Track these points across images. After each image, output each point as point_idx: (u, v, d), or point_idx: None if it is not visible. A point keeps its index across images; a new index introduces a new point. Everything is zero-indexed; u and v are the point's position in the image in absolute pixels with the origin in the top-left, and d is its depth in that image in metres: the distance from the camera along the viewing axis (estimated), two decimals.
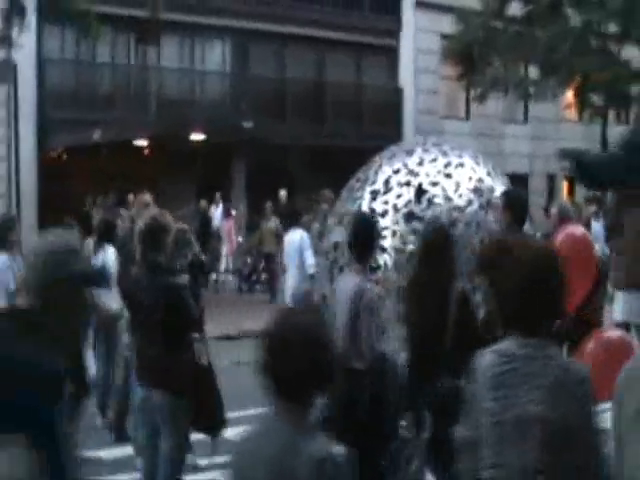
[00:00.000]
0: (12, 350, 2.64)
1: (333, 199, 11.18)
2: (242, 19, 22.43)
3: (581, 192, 27.71)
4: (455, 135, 25.52)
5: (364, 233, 5.80)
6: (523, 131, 28.30)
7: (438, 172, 6.83)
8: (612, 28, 22.27)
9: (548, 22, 21.30)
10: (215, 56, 23.38)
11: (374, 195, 7.10)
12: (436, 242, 5.17)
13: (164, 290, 5.45)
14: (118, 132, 19.36)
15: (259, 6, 22.67)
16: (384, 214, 6.95)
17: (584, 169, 1.95)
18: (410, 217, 6.82)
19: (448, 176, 6.80)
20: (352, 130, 23.68)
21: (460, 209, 6.64)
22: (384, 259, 6.90)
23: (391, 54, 26.13)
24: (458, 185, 6.75)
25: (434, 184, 6.78)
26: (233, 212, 20.88)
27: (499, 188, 6.91)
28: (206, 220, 19.89)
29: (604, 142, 23.36)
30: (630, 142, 1.87)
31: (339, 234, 7.36)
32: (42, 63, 20.00)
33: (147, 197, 10.83)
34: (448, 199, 6.70)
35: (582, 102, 23.06)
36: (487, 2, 21.92)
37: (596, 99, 22.55)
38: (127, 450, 7.81)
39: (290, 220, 11.33)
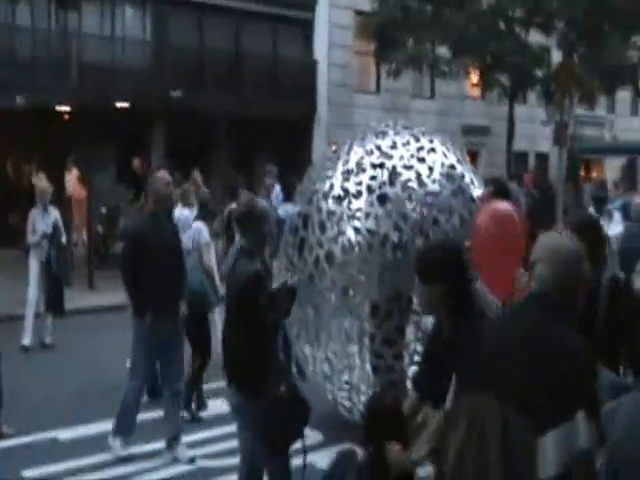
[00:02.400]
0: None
1: (277, 174, 11.21)
2: None
3: (482, 165, 28.52)
4: (366, 108, 25.87)
5: None
6: (430, 106, 28.76)
7: (411, 156, 6.94)
8: (518, 13, 22.90)
9: (460, 5, 21.73)
10: (135, 24, 22.92)
11: (347, 175, 7.14)
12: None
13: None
14: (41, 98, 18.84)
15: None
16: (358, 195, 7.00)
17: None
18: (384, 199, 6.91)
19: (421, 160, 6.91)
20: (268, 100, 23.62)
21: (434, 194, 6.77)
22: (358, 240, 6.95)
23: (306, 27, 26.08)
24: (431, 170, 6.87)
25: (408, 167, 6.89)
26: None
27: (469, 175, 7.09)
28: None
29: (511, 120, 24.00)
30: None
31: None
32: None
33: (198, 175, 10.69)
34: (422, 184, 6.82)
35: (489, 82, 23.58)
36: None
37: (504, 80, 23.10)
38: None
39: None
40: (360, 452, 3.74)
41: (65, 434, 7.64)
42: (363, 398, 6.89)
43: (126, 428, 7.03)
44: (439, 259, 3.70)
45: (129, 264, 6.94)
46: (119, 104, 20.49)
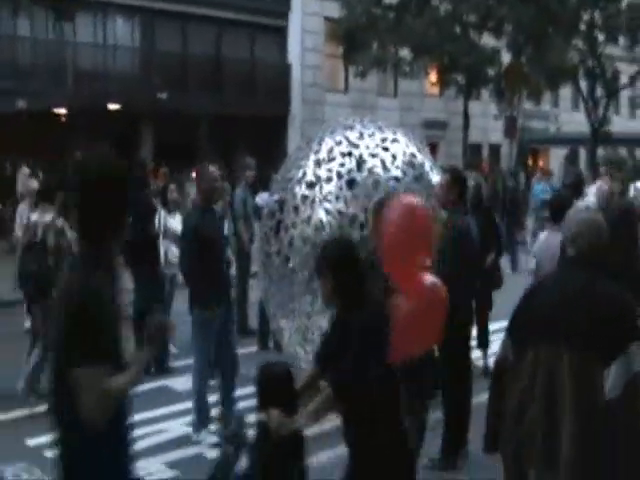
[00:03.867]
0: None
1: (255, 166, 11.05)
2: None
3: (441, 156, 28.54)
4: (335, 106, 25.80)
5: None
6: (393, 103, 28.75)
7: (376, 145, 6.90)
8: (473, 18, 22.93)
9: (420, 11, 21.73)
10: (125, 33, 22.71)
11: (318, 163, 7.10)
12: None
13: None
14: (39, 102, 18.62)
15: None
16: (329, 180, 6.96)
17: None
18: (352, 183, 6.88)
19: (385, 149, 6.88)
20: (247, 100, 23.54)
21: (397, 179, 6.75)
22: (329, 220, 6.91)
23: (281, 34, 25.99)
24: (394, 158, 6.84)
25: (373, 155, 6.86)
26: None
27: (428, 163, 7.06)
28: None
29: (466, 115, 24.05)
30: None
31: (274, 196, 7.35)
32: None
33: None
34: (386, 169, 6.79)
35: (447, 80, 23.62)
36: None
37: (460, 78, 23.14)
38: None
39: None
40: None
41: None
42: None
43: (203, 415, 6.62)
44: (330, 256, 3.70)
45: (190, 258, 6.58)
46: (111, 106, 20.33)
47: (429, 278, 4.28)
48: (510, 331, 3.57)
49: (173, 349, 8.81)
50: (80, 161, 3.88)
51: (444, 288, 4.26)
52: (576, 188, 10.06)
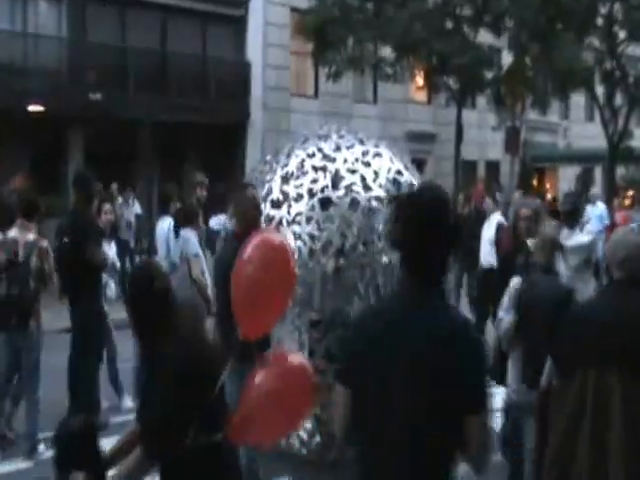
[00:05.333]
0: None
1: (207, 184, 11.20)
2: None
3: (428, 174, 28.93)
4: (304, 113, 26.14)
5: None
6: (372, 111, 29.18)
7: (356, 159, 7.12)
8: (467, 11, 23.36)
9: (404, 1, 22.08)
10: (50, 20, 22.77)
11: (286, 178, 7.29)
12: None
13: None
14: None
15: None
16: (299, 198, 7.14)
17: None
18: (327, 203, 7.07)
19: (367, 164, 7.11)
20: (197, 104, 23.70)
21: (379, 199, 6.97)
22: (298, 246, 7.09)
23: (239, 25, 26.26)
24: (377, 174, 7.06)
25: (352, 172, 7.08)
26: None
27: (417, 183, 7.29)
28: None
29: (459, 126, 24.41)
30: None
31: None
32: None
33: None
34: (367, 188, 7.01)
35: (436, 85, 23.99)
36: None
37: (452, 82, 23.52)
38: None
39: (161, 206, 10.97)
40: None
41: None
42: (307, 425, 6.98)
43: None
44: (131, 292, 4.03)
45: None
46: (32, 107, 20.41)
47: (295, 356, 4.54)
48: (555, 356, 4.36)
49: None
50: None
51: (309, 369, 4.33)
52: (584, 184, 10.59)
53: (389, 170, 7.13)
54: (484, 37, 24.03)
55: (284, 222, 7.08)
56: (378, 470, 3.12)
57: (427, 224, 3.08)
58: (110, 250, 9.61)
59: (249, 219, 6.64)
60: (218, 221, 9.98)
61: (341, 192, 7.01)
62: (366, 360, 3.16)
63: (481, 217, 13.26)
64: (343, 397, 3.24)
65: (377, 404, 3.11)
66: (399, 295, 3.28)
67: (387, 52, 23.58)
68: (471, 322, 3.36)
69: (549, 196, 28.30)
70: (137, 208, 19.72)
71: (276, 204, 7.18)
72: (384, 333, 3.13)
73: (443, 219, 3.11)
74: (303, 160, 7.26)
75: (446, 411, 2.99)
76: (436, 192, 3.20)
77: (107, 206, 10.40)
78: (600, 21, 24.33)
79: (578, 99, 33.82)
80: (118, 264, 11.50)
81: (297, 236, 7.10)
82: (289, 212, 7.09)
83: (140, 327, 3.94)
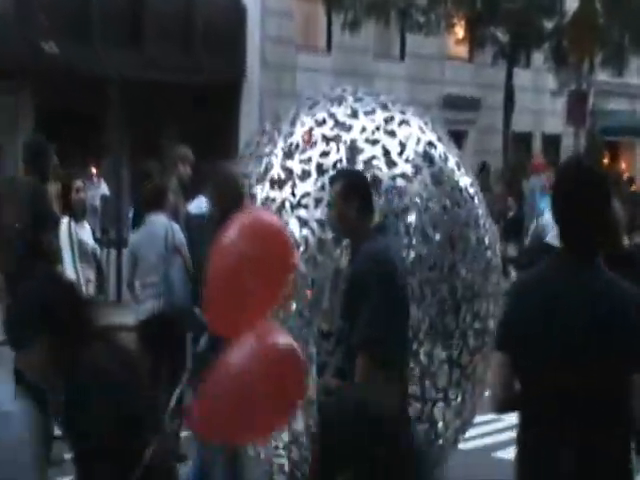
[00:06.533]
0: None
1: (191, 159, 11.29)
2: None
3: (470, 149, 28.97)
4: (312, 72, 26.16)
5: None
6: (399, 70, 29.19)
7: (377, 128, 7.17)
8: None
9: None
10: None
11: (290, 152, 7.31)
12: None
13: None
14: None
15: None
16: (305, 176, 7.18)
17: None
18: None
19: (391, 134, 7.15)
20: (180, 58, 23.75)
21: (406, 177, 7.01)
22: (304, 235, 7.12)
23: None
24: (403, 147, 7.11)
25: (373, 142, 7.12)
26: None
27: (452, 158, 7.35)
28: None
29: (509, 90, 24.38)
30: None
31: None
32: None
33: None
34: (391, 163, 7.06)
35: (480, 38, 23.95)
36: None
37: (500, 35, 23.48)
38: None
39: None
40: None
41: None
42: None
43: None
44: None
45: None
46: None
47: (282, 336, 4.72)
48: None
49: None
50: None
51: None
52: None
53: (418, 141, 7.17)
54: None
55: (287, 206, 7.11)
56: (554, 431, 4.05)
57: (597, 201, 4.15)
58: (86, 233, 9.80)
59: (229, 200, 6.84)
60: (199, 204, 10.05)
61: (359, 168, 7.06)
62: (534, 327, 4.08)
63: None
64: (503, 364, 4.18)
65: (551, 368, 4.03)
66: (560, 265, 4.22)
67: None
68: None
69: (625, 177, 28.21)
70: (104, 189, 19.77)
71: (277, 183, 7.22)
72: (558, 298, 4.08)
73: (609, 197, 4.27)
74: (311, 129, 7.30)
75: (620, 371, 4.00)
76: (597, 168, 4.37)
77: (78, 183, 10.55)
78: None
79: None
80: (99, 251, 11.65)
81: (303, 223, 7.14)
82: (293, 193, 7.12)
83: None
